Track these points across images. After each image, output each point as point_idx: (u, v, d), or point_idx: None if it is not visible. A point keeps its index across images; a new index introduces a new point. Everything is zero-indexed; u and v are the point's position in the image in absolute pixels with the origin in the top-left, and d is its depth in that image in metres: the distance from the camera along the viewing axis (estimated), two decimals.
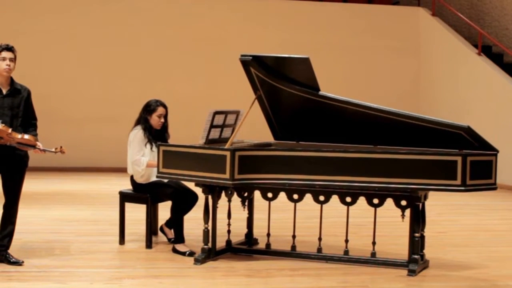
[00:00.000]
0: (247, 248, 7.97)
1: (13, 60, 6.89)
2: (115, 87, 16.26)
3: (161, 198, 8.12)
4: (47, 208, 10.67)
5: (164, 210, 8.44)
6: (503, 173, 12.22)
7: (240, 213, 8.10)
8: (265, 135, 8.36)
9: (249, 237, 8.18)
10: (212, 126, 7.39)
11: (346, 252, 7.47)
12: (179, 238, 7.80)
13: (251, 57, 7.52)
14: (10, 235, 7.08)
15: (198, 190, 7.53)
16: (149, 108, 7.99)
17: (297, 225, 7.78)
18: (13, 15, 15.87)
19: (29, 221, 9.22)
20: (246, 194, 7.81)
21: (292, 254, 7.67)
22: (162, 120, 8.00)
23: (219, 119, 7.49)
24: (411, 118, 7.17)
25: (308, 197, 7.43)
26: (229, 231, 7.80)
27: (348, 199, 7.30)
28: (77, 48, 16.14)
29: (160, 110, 7.98)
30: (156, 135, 8.00)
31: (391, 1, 18.49)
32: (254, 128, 9.32)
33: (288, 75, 7.52)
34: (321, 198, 7.38)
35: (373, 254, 7.39)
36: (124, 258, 7.68)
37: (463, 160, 6.69)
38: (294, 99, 7.59)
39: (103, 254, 7.72)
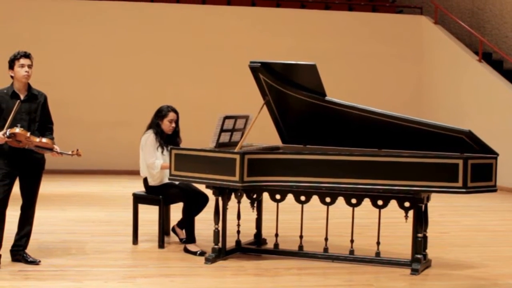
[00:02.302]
0: (256, 248, 7.97)
1: (31, 66, 6.90)
2: (128, 93, 16.29)
3: (173, 200, 8.12)
4: (63, 209, 10.69)
5: (176, 211, 8.45)
6: (503, 175, 12.17)
7: (249, 214, 8.09)
8: (273, 139, 8.35)
9: (258, 237, 8.18)
10: (222, 130, 7.39)
11: (352, 251, 7.46)
12: (190, 238, 7.80)
13: (260, 64, 7.52)
14: (28, 235, 7.10)
15: (209, 192, 7.54)
16: (160, 114, 8.01)
17: (304, 226, 7.77)
18: (30, 24, 15.90)
19: (46, 221, 9.23)
20: (255, 196, 7.80)
21: (300, 253, 7.66)
22: (173, 125, 8.01)
23: (229, 124, 7.50)
24: (414, 123, 7.16)
25: (315, 198, 7.43)
26: (238, 232, 7.80)
27: (354, 201, 7.29)
28: (92, 56, 16.17)
29: (171, 115, 8.00)
30: (168, 140, 8.02)
31: (395, 9, 18.48)
32: (262, 132, 9.31)
33: (296, 81, 7.52)
34: (327, 199, 7.38)
35: (378, 254, 7.38)
36: (137, 258, 7.69)
37: (464, 163, 6.68)
38: (301, 104, 7.59)
39: (117, 253, 7.73)
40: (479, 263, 7.62)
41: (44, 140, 6.76)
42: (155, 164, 7.87)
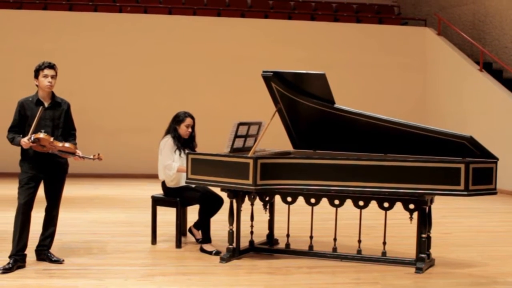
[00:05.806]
0: (269, 248, 7.95)
1: (54, 77, 6.90)
2: (146, 100, 16.33)
3: (190, 202, 8.12)
4: (86, 211, 10.70)
5: (193, 213, 8.45)
6: (503, 179, 12.15)
7: (262, 216, 8.08)
8: (284, 144, 8.34)
9: (270, 237, 8.17)
10: (236, 136, 7.39)
11: (359, 251, 7.44)
12: (206, 238, 7.80)
13: (272, 73, 7.52)
14: (52, 236, 7.11)
15: (224, 195, 7.54)
16: (178, 119, 8.02)
17: (314, 227, 7.76)
18: (53, 35, 15.98)
19: (69, 223, 9.25)
20: (267, 198, 7.80)
21: (310, 253, 7.64)
22: (190, 130, 8.02)
23: (242, 130, 7.49)
24: (418, 129, 7.14)
25: (324, 201, 7.43)
26: (252, 232, 7.79)
27: (361, 203, 7.27)
28: (113, 65, 16.23)
29: (188, 120, 8.01)
30: (184, 144, 8.03)
31: (400, 21, 18.46)
32: (274, 138, 9.31)
33: (306, 89, 7.51)
34: (336, 202, 7.37)
35: (384, 253, 7.36)
36: (155, 257, 7.68)
37: (466, 167, 6.65)
38: (311, 111, 7.57)
39: (136, 253, 7.73)
40: (480, 262, 7.59)
41: (67, 144, 6.76)
42: (172, 165, 7.87)
